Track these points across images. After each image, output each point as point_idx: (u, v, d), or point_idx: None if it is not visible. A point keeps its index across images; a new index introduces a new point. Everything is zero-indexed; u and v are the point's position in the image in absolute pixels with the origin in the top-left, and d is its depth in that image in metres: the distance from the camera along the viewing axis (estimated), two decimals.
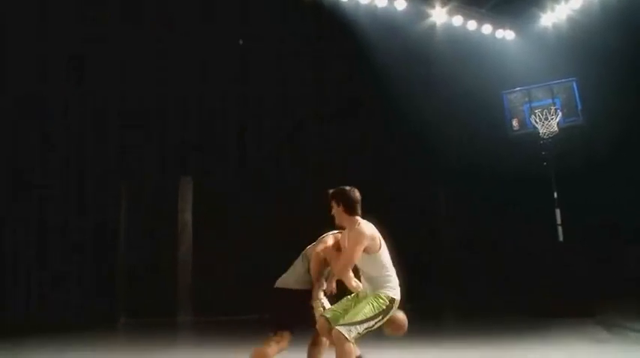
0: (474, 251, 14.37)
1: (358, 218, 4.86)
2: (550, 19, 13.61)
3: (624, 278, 13.23)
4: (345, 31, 13.24)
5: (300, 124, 14.48)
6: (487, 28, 13.84)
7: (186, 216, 13.73)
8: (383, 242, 4.87)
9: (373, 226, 4.88)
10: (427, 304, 12.96)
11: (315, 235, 5.27)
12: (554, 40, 13.31)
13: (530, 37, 13.88)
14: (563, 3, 13.33)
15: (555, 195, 11.49)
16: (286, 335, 5.04)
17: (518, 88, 11.96)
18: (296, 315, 5.05)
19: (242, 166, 13.99)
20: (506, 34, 14.04)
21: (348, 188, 4.95)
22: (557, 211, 11.51)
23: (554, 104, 11.33)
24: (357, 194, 4.93)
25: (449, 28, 13.66)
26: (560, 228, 11.47)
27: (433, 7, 13.38)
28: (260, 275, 7.21)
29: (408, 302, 5.06)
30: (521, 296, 12.10)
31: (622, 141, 12.51)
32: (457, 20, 13.59)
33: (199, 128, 13.76)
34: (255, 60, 13.93)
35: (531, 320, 10.11)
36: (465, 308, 13.45)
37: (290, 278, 5.19)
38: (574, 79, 11.57)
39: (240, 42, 14.04)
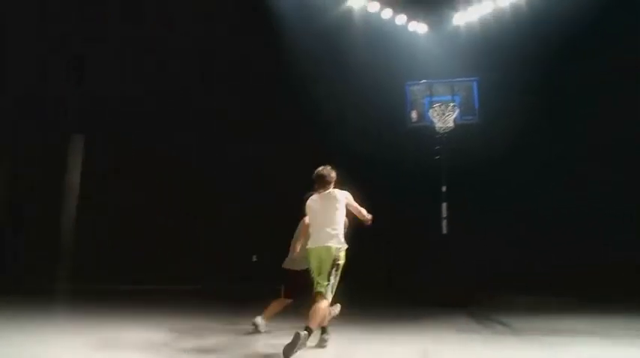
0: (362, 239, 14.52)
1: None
2: (463, 18, 13.93)
3: (502, 272, 13.93)
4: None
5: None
6: (401, 19, 13.95)
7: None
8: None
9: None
10: None
11: None
12: (464, 40, 13.64)
13: (442, 33, 14.12)
14: (476, 5, 13.68)
15: (444, 188, 11.81)
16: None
17: (422, 81, 12.16)
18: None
19: None
20: (419, 28, 14.21)
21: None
22: (444, 205, 11.84)
23: (453, 101, 11.62)
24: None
25: (365, 14, 13.64)
26: (444, 221, 11.82)
27: None
28: None
29: None
30: (405, 285, 12.46)
31: (514, 143, 13.05)
32: (373, 6, 13.59)
33: None
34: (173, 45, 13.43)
35: (406, 308, 10.37)
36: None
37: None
38: (475, 78, 11.95)
39: None
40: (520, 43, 12.71)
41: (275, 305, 7.03)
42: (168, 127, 14.02)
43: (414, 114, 11.95)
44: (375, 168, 13.73)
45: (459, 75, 12.27)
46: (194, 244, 14.75)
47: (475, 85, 11.83)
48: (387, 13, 13.78)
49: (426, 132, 11.84)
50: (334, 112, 13.74)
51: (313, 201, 6.14)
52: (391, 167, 13.58)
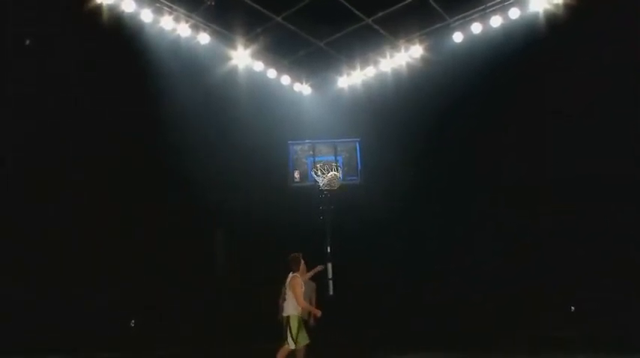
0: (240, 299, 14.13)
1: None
2: (346, 81, 14.24)
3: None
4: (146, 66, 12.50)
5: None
6: (286, 79, 14.03)
7: None
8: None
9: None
10: None
11: None
12: (347, 102, 13.92)
13: (326, 95, 14.35)
14: (358, 70, 14.07)
15: (329, 249, 11.68)
16: None
17: (305, 141, 12.16)
18: None
19: None
20: (304, 89, 14.36)
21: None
22: (329, 265, 11.68)
23: (336, 161, 11.66)
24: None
25: (250, 72, 13.58)
26: (330, 283, 11.64)
27: (236, 48, 13.22)
28: None
29: None
30: None
31: (397, 203, 13.27)
32: (258, 66, 13.57)
33: None
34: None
35: None
36: None
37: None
38: (357, 139, 12.10)
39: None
40: (401, 106, 13.11)
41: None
42: None
43: (296, 174, 11.87)
44: (256, 227, 13.42)
45: (342, 136, 12.40)
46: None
47: (358, 145, 11.98)
48: (272, 73, 13.79)
49: (308, 192, 11.76)
50: (214, 171, 13.35)
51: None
52: (273, 227, 13.31)
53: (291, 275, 8.36)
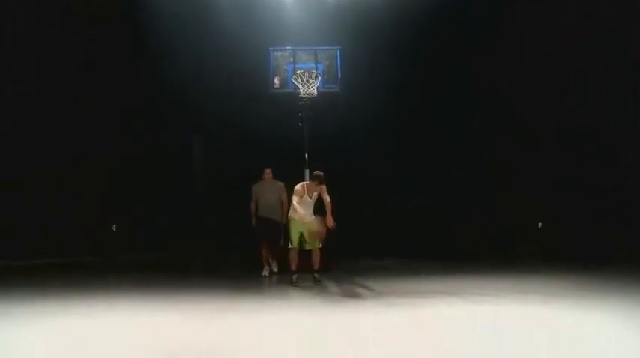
0: (223, 203, 14.46)
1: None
2: None
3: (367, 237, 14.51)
4: None
5: None
6: None
7: None
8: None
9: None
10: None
11: None
12: (331, 8, 13.66)
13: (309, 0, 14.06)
14: None
15: (306, 156, 11.88)
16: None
17: (286, 47, 12.09)
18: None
19: None
20: None
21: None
22: (307, 171, 11.92)
23: (316, 69, 11.67)
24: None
25: None
26: None
27: None
28: None
29: None
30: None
31: (376, 111, 13.44)
32: None
33: None
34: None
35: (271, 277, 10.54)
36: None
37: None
38: (339, 47, 12.04)
39: None
40: (384, 14, 12.98)
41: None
42: None
43: (276, 81, 11.86)
44: (234, 133, 13.57)
45: (324, 44, 12.33)
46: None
47: (339, 53, 11.93)
48: None
49: (288, 98, 11.82)
50: (194, 77, 13.29)
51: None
52: (253, 133, 13.47)
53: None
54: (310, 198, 9.28)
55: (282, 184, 10.75)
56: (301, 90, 11.41)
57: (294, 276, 9.19)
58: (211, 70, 13.53)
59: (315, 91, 11.45)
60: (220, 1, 13.11)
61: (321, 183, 9.15)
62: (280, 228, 10.31)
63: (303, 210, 9.06)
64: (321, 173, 9.19)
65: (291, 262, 9.25)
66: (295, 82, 11.48)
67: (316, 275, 9.28)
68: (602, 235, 13.10)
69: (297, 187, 9.27)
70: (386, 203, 14.65)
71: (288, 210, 9.52)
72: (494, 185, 14.72)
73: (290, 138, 12.09)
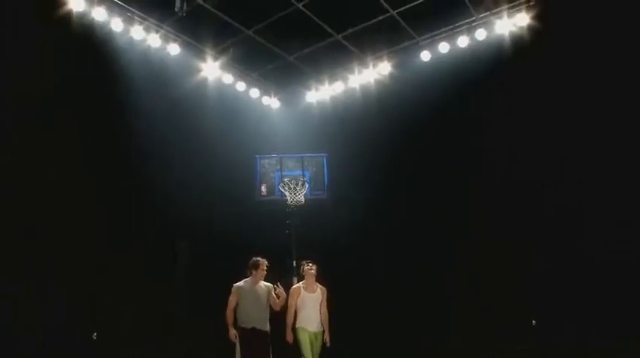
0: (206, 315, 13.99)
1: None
2: (315, 96, 14.34)
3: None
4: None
5: None
6: (255, 92, 14.04)
7: None
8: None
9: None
10: None
11: None
12: (316, 116, 13.98)
13: (295, 109, 14.39)
14: (327, 85, 14.18)
15: (294, 263, 11.69)
16: None
17: (273, 155, 12.21)
18: None
19: None
20: (272, 102, 14.39)
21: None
22: (295, 280, 11.68)
23: (303, 176, 11.73)
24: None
25: (219, 84, 13.52)
26: None
27: (205, 60, 13.18)
28: None
29: None
30: None
31: (363, 218, 13.37)
32: (227, 78, 13.56)
33: None
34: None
35: None
36: None
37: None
38: (324, 154, 12.20)
39: None
40: (368, 122, 13.24)
41: None
42: None
43: (263, 188, 11.90)
44: (220, 240, 13.32)
45: (310, 151, 12.48)
46: None
47: (325, 160, 12.09)
48: (241, 86, 13.79)
49: (276, 206, 11.77)
50: (180, 183, 13.23)
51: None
52: (240, 241, 13.24)
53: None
54: (312, 294, 8.76)
55: (270, 286, 8.78)
56: (289, 198, 11.41)
57: None
58: (198, 176, 13.47)
59: (303, 199, 11.45)
60: (209, 109, 13.21)
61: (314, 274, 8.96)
62: (269, 343, 8.47)
63: (310, 315, 8.67)
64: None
65: None
66: (282, 190, 11.49)
67: None
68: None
69: (294, 287, 8.96)
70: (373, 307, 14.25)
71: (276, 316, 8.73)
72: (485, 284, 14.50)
73: (277, 246, 11.87)
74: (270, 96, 14.50)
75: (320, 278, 9.19)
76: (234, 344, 8.47)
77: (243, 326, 8.42)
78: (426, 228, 14.59)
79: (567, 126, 12.89)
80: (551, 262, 14.67)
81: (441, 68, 12.67)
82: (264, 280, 8.89)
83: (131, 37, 11.97)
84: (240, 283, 8.76)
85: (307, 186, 11.61)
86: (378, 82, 13.58)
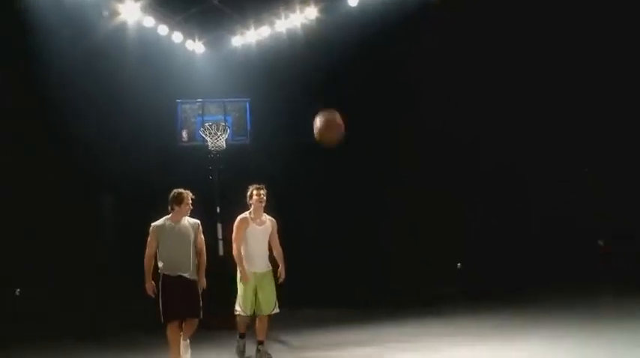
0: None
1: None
2: (240, 41, 13.99)
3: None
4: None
5: None
6: (178, 37, 13.57)
7: None
8: None
9: None
10: None
11: None
12: (241, 61, 13.66)
13: (220, 53, 14.01)
14: (253, 29, 13.84)
15: (218, 209, 11.61)
16: None
17: (194, 100, 11.93)
18: None
19: None
20: (197, 47, 13.97)
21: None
22: (219, 226, 11.62)
23: (225, 121, 11.53)
24: None
25: (140, 28, 12.99)
26: (221, 243, 11.57)
27: (124, 1, 12.59)
28: None
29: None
30: None
31: (284, 164, 13.33)
32: (149, 21, 13.03)
33: None
34: None
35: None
36: None
37: None
38: (247, 99, 12.00)
39: None
40: (293, 67, 13.11)
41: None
42: None
43: (184, 134, 11.64)
44: (143, 189, 13.07)
45: (234, 96, 12.25)
46: None
47: (248, 105, 11.89)
48: (163, 30, 13.29)
49: (197, 152, 11.57)
50: (100, 133, 12.84)
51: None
52: (162, 187, 13.02)
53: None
54: (260, 227, 7.24)
55: (198, 223, 7.18)
56: (209, 143, 11.22)
57: (242, 343, 7.36)
58: (118, 124, 13.09)
59: (224, 144, 11.29)
60: (128, 55, 12.73)
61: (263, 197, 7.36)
62: (197, 292, 6.94)
63: (256, 252, 7.13)
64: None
65: (239, 326, 7.33)
66: (203, 135, 11.28)
67: (260, 347, 7.17)
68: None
69: (238, 220, 7.29)
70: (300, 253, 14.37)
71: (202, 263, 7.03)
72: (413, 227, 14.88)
73: (200, 193, 11.71)
74: (194, 40, 14.04)
75: None
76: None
77: (165, 273, 6.81)
78: (356, 173, 14.74)
79: (500, 67, 13.15)
80: (482, 209, 15.32)
81: (366, 13, 12.51)
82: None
83: None
84: (160, 221, 7.01)
85: (229, 131, 11.42)
86: (304, 27, 13.34)
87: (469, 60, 14.00)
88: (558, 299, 10.73)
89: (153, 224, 7.05)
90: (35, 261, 13.44)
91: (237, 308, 7.09)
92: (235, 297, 7.18)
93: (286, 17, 13.50)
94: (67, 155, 13.04)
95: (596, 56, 13.30)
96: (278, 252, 7.31)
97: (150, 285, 6.77)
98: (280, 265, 7.23)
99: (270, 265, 7.25)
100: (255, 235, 7.17)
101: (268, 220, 7.38)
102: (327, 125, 6.87)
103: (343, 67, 13.45)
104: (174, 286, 6.70)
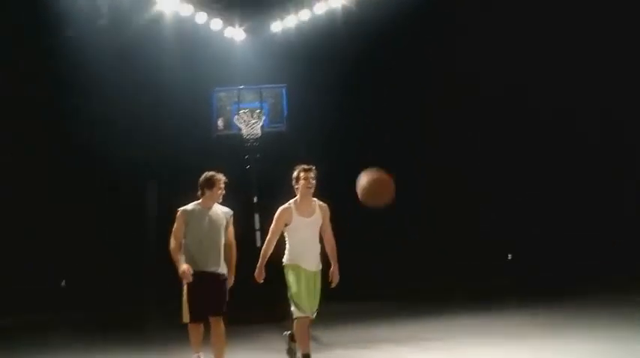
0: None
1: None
2: (280, 25, 13.59)
3: None
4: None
5: None
6: (217, 24, 13.28)
7: None
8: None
9: None
10: None
11: None
12: (280, 47, 13.31)
13: (259, 39, 13.66)
14: (292, 14, 13.40)
15: (255, 199, 11.35)
16: None
17: (230, 88, 11.67)
18: None
19: None
20: (237, 34, 13.66)
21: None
22: (257, 216, 11.35)
23: (261, 107, 11.20)
24: None
25: (177, 17, 12.79)
26: (258, 233, 11.28)
27: None
28: None
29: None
30: None
31: (322, 151, 12.89)
32: (187, 10, 12.80)
33: None
34: None
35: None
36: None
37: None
38: (284, 85, 11.66)
39: None
40: (332, 51, 12.66)
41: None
42: None
43: (220, 122, 11.38)
44: (183, 179, 12.94)
45: (273, 82, 11.92)
46: None
47: (284, 91, 11.53)
48: (201, 18, 13.04)
49: (233, 140, 11.30)
50: (140, 123, 12.79)
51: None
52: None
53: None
54: (309, 219, 5.98)
55: (230, 212, 6.42)
56: (244, 131, 10.94)
57: None
58: (158, 114, 13.02)
59: (259, 131, 11.00)
60: (165, 46, 12.58)
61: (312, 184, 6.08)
62: (225, 288, 6.20)
63: (306, 249, 5.94)
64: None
65: (300, 340, 5.90)
66: (238, 123, 11.00)
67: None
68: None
69: (280, 210, 6.03)
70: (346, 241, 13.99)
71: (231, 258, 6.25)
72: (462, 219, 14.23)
73: (238, 182, 11.46)
74: (234, 27, 13.74)
75: None
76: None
77: (190, 266, 5.98)
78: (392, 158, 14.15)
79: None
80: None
81: None
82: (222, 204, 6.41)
83: None
84: (189, 206, 6.24)
85: (264, 117, 11.08)
86: (344, 9, 12.82)
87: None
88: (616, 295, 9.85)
89: (180, 209, 6.23)
90: (82, 254, 13.62)
91: (294, 309, 5.81)
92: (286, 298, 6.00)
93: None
94: (110, 151, 13.05)
95: None
96: (331, 247, 6.09)
97: (185, 267, 5.87)
98: (333, 264, 6.07)
99: (320, 263, 6.05)
100: (303, 229, 5.93)
101: (318, 207, 6.06)
102: (374, 190, 5.97)
103: (380, 51, 12.89)
104: (202, 283, 5.91)
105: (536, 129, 13.93)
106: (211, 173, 6.42)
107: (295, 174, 6.20)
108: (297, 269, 5.86)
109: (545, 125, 13.86)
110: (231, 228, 6.30)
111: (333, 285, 6.06)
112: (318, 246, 6.03)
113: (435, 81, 13.74)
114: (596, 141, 13.61)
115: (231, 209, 6.41)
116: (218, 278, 6.06)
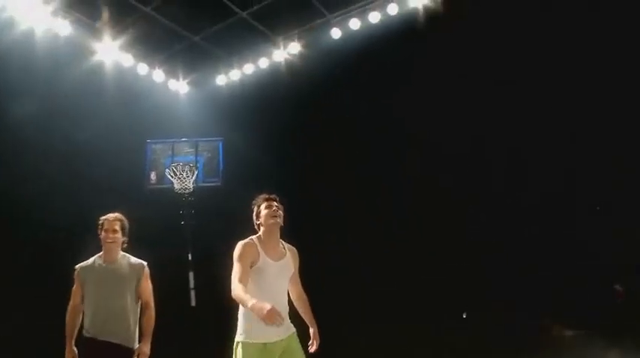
0: None
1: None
2: (224, 79, 13.46)
3: None
4: None
5: None
6: (159, 76, 13.05)
7: None
8: None
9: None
10: None
11: None
12: (224, 100, 13.07)
13: (204, 93, 13.47)
14: (236, 67, 13.32)
15: (190, 256, 10.89)
16: None
17: (165, 140, 11.33)
18: None
19: None
20: (180, 86, 13.44)
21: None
22: (191, 274, 10.89)
23: (195, 161, 10.90)
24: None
25: (118, 68, 12.50)
26: (192, 293, 10.80)
27: (101, 40, 12.16)
28: None
29: None
30: None
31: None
32: (127, 60, 12.57)
33: None
34: None
35: None
36: None
37: None
38: (221, 139, 11.41)
39: None
40: (273, 104, 12.48)
41: None
42: None
43: (152, 176, 11.02)
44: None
45: (211, 136, 11.63)
46: None
47: (221, 145, 11.28)
48: (142, 69, 12.82)
49: (168, 195, 10.90)
50: (70, 175, 12.28)
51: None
52: (130, 233, 12.36)
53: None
54: (278, 262, 4.57)
55: (143, 264, 5.43)
56: (176, 186, 10.57)
57: None
58: (89, 165, 12.53)
59: (191, 186, 10.62)
60: (104, 96, 12.20)
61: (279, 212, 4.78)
62: None
63: (274, 296, 4.34)
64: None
65: None
66: (170, 177, 10.64)
67: None
68: None
69: (242, 245, 4.60)
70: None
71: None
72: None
73: (171, 239, 11.01)
74: (177, 79, 13.54)
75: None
76: None
77: (89, 336, 4.98)
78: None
79: (478, 103, 12.34)
80: None
81: (349, 45, 11.95)
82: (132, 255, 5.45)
83: (11, 17, 10.88)
84: (88, 261, 5.25)
85: (197, 172, 10.74)
86: (287, 62, 12.78)
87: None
88: None
89: (77, 266, 5.19)
90: None
91: None
92: None
93: (270, 53, 13.00)
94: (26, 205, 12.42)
95: None
96: (303, 302, 4.78)
97: (71, 353, 5.00)
98: (311, 325, 4.78)
99: (292, 325, 4.51)
100: (271, 276, 4.44)
101: (288, 251, 4.75)
102: None
103: (325, 99, 12.80)
104: (95, 355, 4.85)
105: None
106: (106, 216, 5.52)
107: (255, 208, 4.99)
108: (261, 352, 4.19)
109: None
110: (146, 284, 5.27)
111: (314, 349, 4.66)
112: (287, 303, 4.58)
113: (376, 133, 13.63)
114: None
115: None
116: (122, 353, 4.94)
